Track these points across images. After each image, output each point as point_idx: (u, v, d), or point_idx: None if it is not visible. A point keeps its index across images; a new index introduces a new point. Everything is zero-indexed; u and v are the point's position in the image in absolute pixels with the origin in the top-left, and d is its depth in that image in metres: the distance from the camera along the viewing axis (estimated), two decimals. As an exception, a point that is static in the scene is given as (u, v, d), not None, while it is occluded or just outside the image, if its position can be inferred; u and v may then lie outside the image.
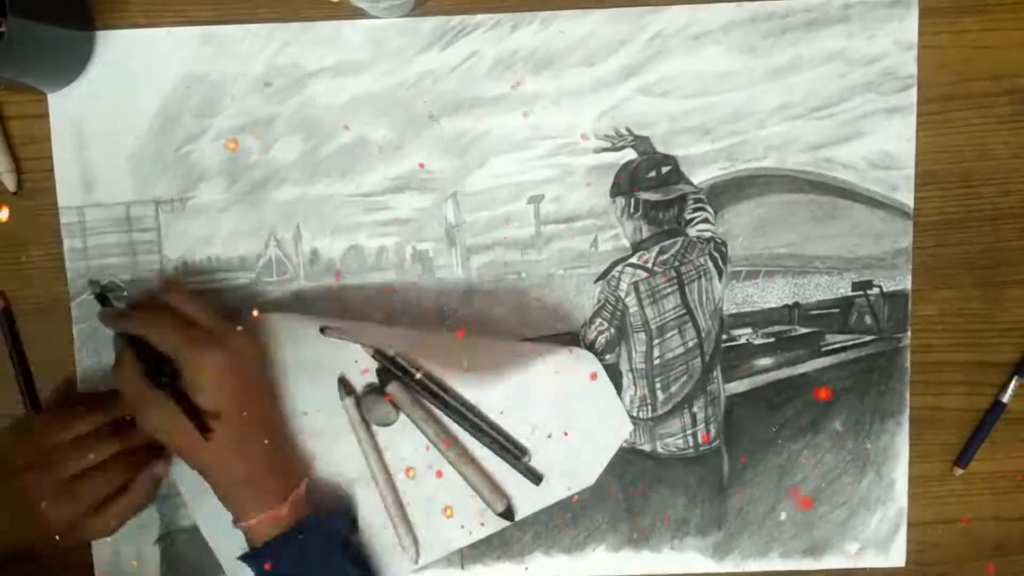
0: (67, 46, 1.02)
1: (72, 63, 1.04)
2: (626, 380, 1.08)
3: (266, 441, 0.98)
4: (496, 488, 1.05)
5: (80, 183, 1.05)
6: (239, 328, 0.98)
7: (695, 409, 1.08)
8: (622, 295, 1.07)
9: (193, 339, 0.94)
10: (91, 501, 0.98)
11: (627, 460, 1.08)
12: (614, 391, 1.06)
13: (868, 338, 1.08)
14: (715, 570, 1.10)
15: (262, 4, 1.05)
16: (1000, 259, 1.08)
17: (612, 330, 1.07)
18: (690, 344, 1.07)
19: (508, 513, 1.05)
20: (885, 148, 1.06)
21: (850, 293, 1.08)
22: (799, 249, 1.07)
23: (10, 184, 1.05)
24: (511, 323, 1.07)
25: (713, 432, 1.08)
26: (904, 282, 1.07)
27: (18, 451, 0.99)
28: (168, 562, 1.09)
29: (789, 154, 1.06)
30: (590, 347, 1.07)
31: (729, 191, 1.07)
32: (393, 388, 1.03)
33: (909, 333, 1.08)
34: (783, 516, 1.09)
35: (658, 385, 1.07)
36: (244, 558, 0.97)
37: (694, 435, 1.08)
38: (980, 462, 1.09)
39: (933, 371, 1.09)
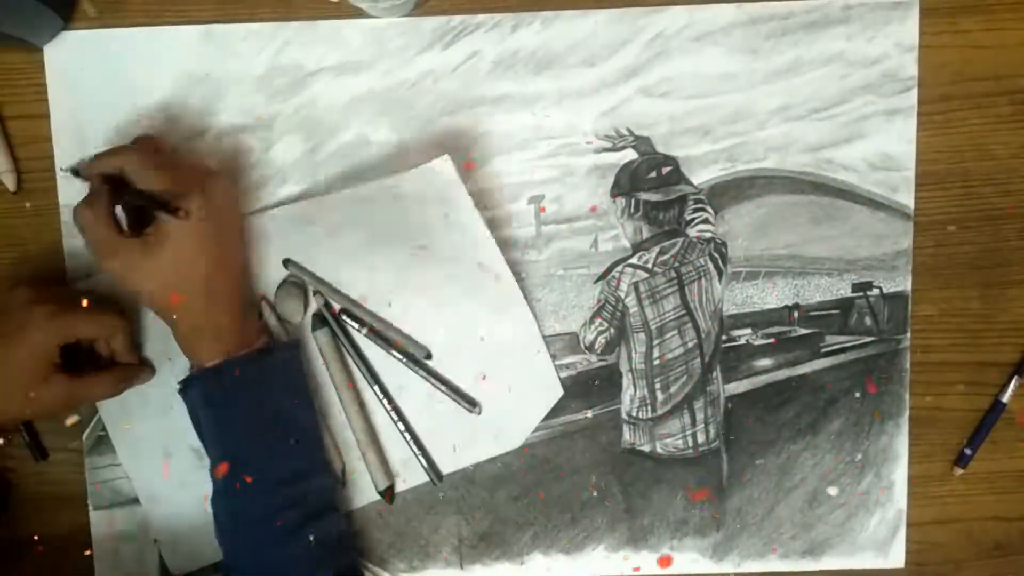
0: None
1: (57, 7, 1.03)
2: (626, 380, 1.08)
3: (232, 297, 0.98)
4: (385, 465, 1.07)
5: (85, 187, 1.05)
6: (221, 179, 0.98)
7: (695, 410, 1.08)
8: (622, 295, 1.07)
9: (176, 178, 0.93)
10: (70, 326, 0.97)
11: (627, 460, 1.08)
12: (548, 356, 1.07)
13: (868, 339, 1.08)
14: (714, 571, 1.10)
15: (262, 4, 1.05)
16: (1000, 259, 1.08)
17: (612, 330, 1.07)
18: (690, 344, 1.08)
19: (387, 493, 1.07)
20: (885, 150, 1.06)
21: (850, 294, 1.08)
22: (799, 250, 1.07)
23: (10, 184, 1.05)
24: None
25: (713, 432, 1.08)
26: (904, 283, 1.07)
27: None
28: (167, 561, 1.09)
29: (789, 155, 1.06)
30: (590, 347, 1.07)
31: (729, 192, 1.07)
32: (320, 335, 1.06)
33: (909, 334, 1.08)
34: (782, 517, 1.09)
35: (658, 385, 1.08)
36: (197, 377, 0.97)
37: (693, 436, 1.08)
38: (980, 462, 1.09)
39: (933, 371, 1.09)
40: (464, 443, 1.08)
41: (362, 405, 1.07)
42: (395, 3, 0.99)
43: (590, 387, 1.08)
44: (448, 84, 1.05)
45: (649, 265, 1.06)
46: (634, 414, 1.08)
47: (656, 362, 1.07)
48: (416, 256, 1.04)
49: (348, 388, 1.06)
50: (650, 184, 1.06)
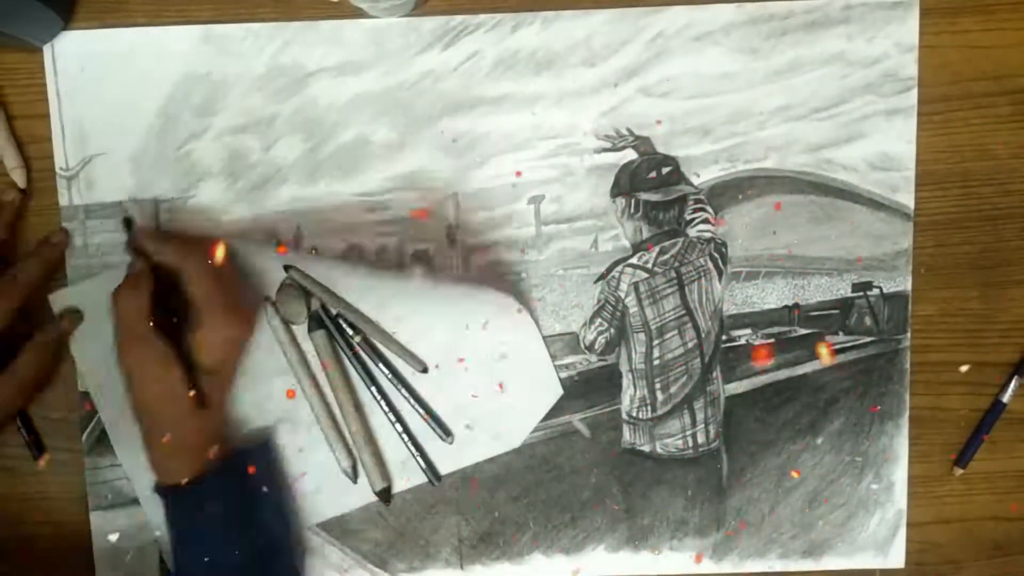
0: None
1: (57, 7, 1.03)
2: (626, 380, 1.08)
3: (221, 417, 1.00)
4: (381, 466, 1.08)
5: (83, 182, 1.05)
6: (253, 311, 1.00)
7: (695, 410, 1.08)
8: (622, 295, 1.07)
9: (225, 301, 0.95)
10: None
11: (626, 460, 1.09)
12: (548, 356, 1.07)
13: (868, 339, 1.08)
14: (714, 571, 1.10)
15: (262, 4, 1.05)
16: (1000, 259, 1.08)
17: (612, 330, 1.07)
18: (690, 345, 1.08)
19: (385, 493, 1.07)
20: (885, 150, 1.06)
21: (850, 294, 1.08)
22: (799, 250, 1.07)
23: (19, 181, 1.05)
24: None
25: (712, 433, 1.08)
26: (904, 283, 1.07)
27: None
28: (167, 557, 1.09)
29: (789, 155, 1.06)
30: (590, 348, 1.07)
31: (729, 192, 1.07)
32: (318, 336, 1.06)
33: (909, 335, 1.08)
34: (782, 517, 1.09)
35: (658, 386, 1.08)
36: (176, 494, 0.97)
37: (693, 436, 1.08)
38: (980, 462, 1.09)
39: (933, 371, 1.09)
40: (463, 443, 1.08)
41: (358, 406, 1.07)
42: (395, 3, 0.99)
43: (589, 387, 1.08)
44: (448, 84, 1.05)
45: (649, 265, 1.06)
46: (634, 414, 1.08)
47: (656, 362, 1.07)
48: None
49: (345, 389, 1.06)
50: (650, 184, 1.06)
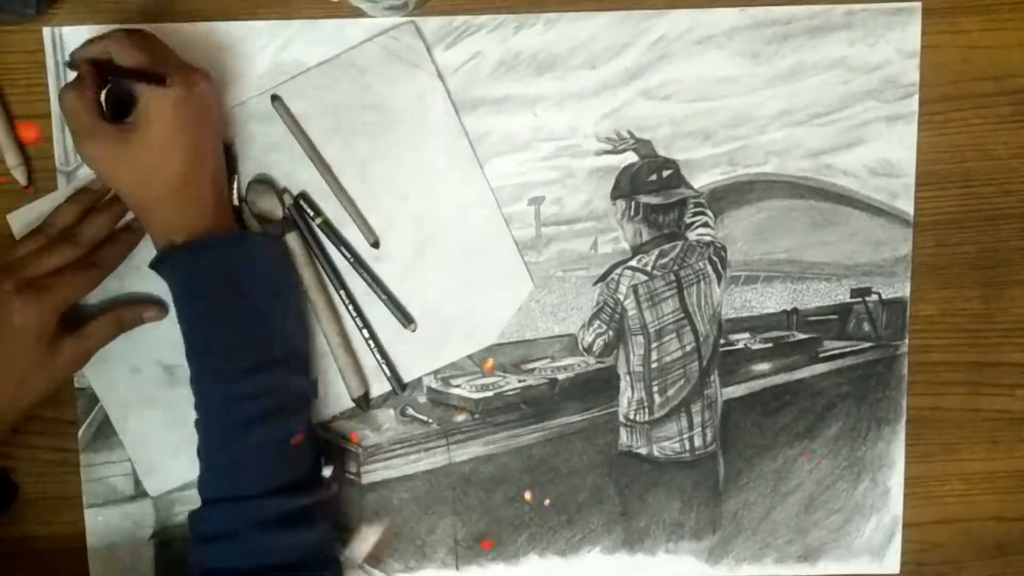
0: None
1: None
2: (624, 383, 1.08)
3: (210, 190, 0.97)
4: (359, 372, 1.07)
5: (83, 179, 1.05)
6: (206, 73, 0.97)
7: (692, 413, 1.08)
8: (621, 298, 1.07)
9: (161, 60, 0.94)
10: (58, 298, 0.97)
11: (623, 463, 1.09)
12: (516, 249, 1.07)
13: (866, 345, 1.08)
14: (710, 574, 1.10)
15: (262, 3, 1.05)
16: (1000, 259, 1.08)
17: (610, 333, 1.07)
18: (688, 348, 1.08)
19: (363, 400, 1.07)
20: (886, 156, 1.06)
21: (849, 300, 1.08)
22: (798, 255, 1.07)
23: (21, 179, 1.05)
24: (509, 323, 1.08)
25: (710, 436, 1.08)
26: (903, 290, 1.07)
27: None
28: (162, 559, 1.09)
29: (790, 160, 1.06)
30: (588, 350, 1.07)
31: (729, 196, 1.07)
32: (291, 238, 1.05)
33: (907, 340, 1.08)
34: (778, 521, 1.09)
35: (655, 388, 1.08)
36: (168, 256, 0.96)
37: (690, 439, 1.08)
38: (980, 462, 1.10)
39: (933, 371, 1.09)
40: (436, 342, 1.07)
41: (334, 309, 1.06)
42: (394, 4, 0.99)
43: (587, 389, 1.08)
44: (450, 84, 1.05)
45: (648, 268, 1.06)
46: (631, 417, 1.08)
47: (654, 365, 1.07)
48: (384, 137, 1.06)
49: (319, 292, 1.05)
50: (650, 187, 1.06)
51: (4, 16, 1.02)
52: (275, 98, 1.04)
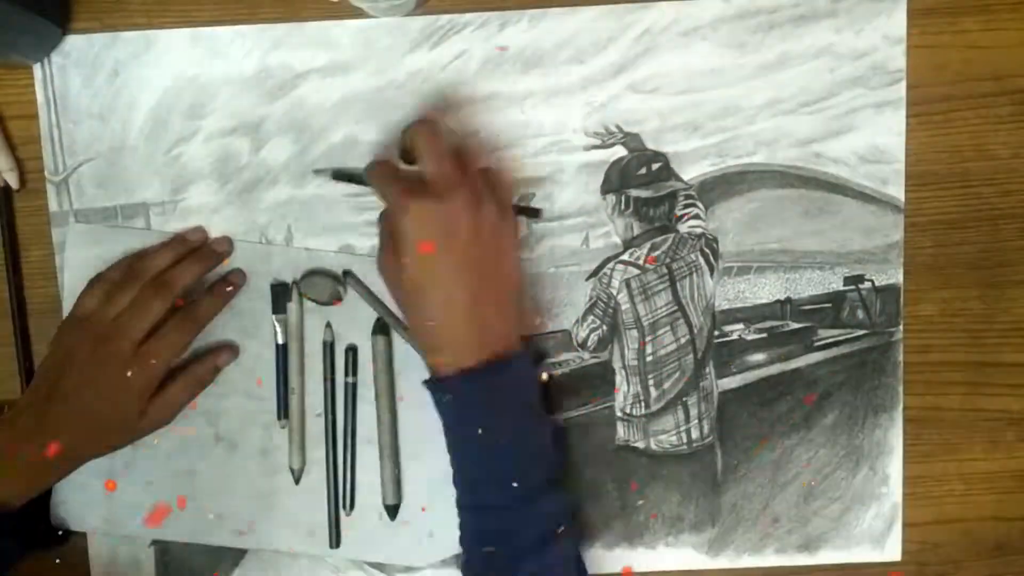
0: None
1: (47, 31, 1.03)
2: (619, 377, 1.08)
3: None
4: (398, 482, 1.08)
5: (72, 187, 1.05)
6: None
7: (688, 405, 1.08)
8: (614, 292, 1.07)
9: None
10: (168, 355, 0.99)
11: (621, 457, 1.09)
12: None
13: (860, 332, 1.08)
14: (710, 566, 1.10)
15: (262, 4, 1.05)
16: (1000, 259, 1.08)
17: (604, 327, 1.07)
18: (682, 340, 1.07)
19: (391, 510, 1.08)
20: (875, 142, 1.06)
21: (842, 288, 1.08)
22: (790, 244, 1.07)
23: (13, 182, 1.05)
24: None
25: (707, 428, 1.08)
26: (896, 276, 1.07)
27: (85, 334, 0.99)
28: (163, 564, 1.09)
29: (779, 149, 1.06)
30: (583, 345, 1.07)
31: (719, 187, 1.07)
32: (378, 341, 1.07)
33: (902, 327, 1.08)
34: (778, 511, 1.09)
35: (651, 382, 1.07)
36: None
37: (687, 431, 1.08)
38: (981, 462, 1.10)
39: (933, 371, 1.09)
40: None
41: (395, 417, 1.07)
42: (395, 3, 0.98)
43: (583, 384, 1.08)
44: (437, 83, 1.05)
45: (640, 262, 1.06)
46: (628, 411, 1.08)
47: (649, 358, 1.07)
48: None
49: (387, 396, 1.07)
50: (640, 181, 1.06)
51: (7, 61, 1.03)
52: (347, 273, 1.07)
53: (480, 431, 0.93)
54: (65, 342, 0.99)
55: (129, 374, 0.96)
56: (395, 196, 0.92)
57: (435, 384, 0.95)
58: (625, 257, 1.06)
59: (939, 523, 1.11)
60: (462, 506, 0.96)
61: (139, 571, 1.08)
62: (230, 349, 1.06)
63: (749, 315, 1.08)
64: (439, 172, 0.92)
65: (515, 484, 0.92)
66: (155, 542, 1.08)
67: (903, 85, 1.05)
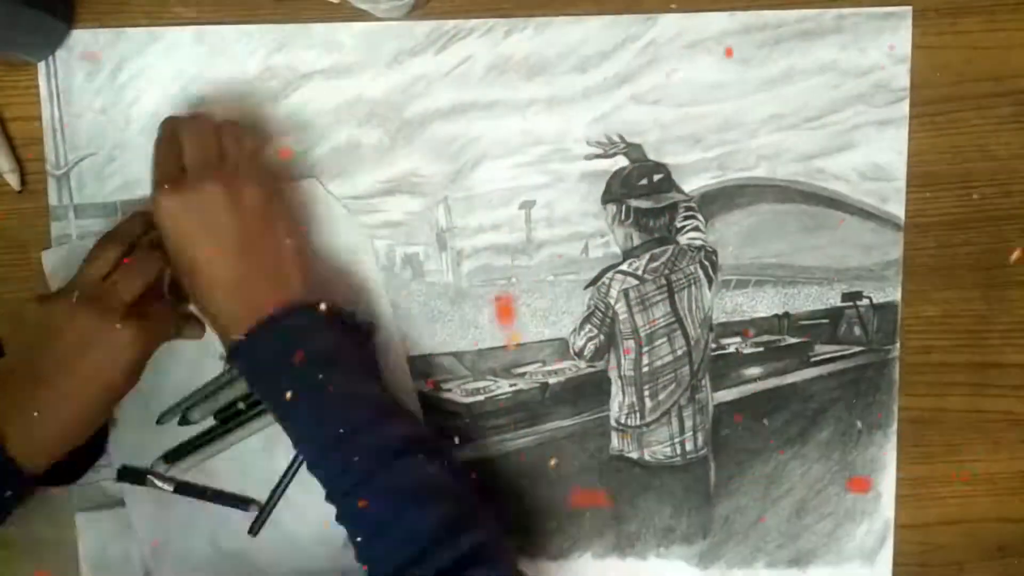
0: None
1: (52, 28, 1.03)
2: (615, 387, 1.08)
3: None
4: None
5: (73, 181, 1.05)
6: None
7: (683, 417, 1.08)
8: (612, 302, 1.07)
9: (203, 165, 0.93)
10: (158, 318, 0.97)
11: (614, 467, 1.08)
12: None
13: (857, 349, 1.08)
14: (700, 579, 1.10)
15: (262, 5, 1.04)
16: (1002, 260, 1.08)
17: (601, 337, 1.07)
18: (679, 352, 1.07)
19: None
20: (876, 160, 1.06)
21: (840, 304, 1.08)
22: (789, 259, 1.07)
23: (14, 183, 1.05)
24: (499, 328, 1.08)
25: (701, 440, 1.08)
26: (894, 294, 1.07)
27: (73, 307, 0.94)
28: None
29: (780, 164, 1.06)
30: (579, 354, 1.07)
31: (720, 200, 1.07)
32: None
33: (898, 344, 1.08)
34: (769, 525, 1.09)
35: (647, 393, 1.07)
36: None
37: (681, 443, 1.08)
38: (983, 463, 1.10)
39: (935, 372, 1.09)
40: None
41: None
42: (395, 4, 0.98)
43: (578, 394, 1.08)
44: (440, 88, 1.05)
45: (639, 272, 1.06)
46: (622, 421, 1.08)
47: (645, 369, 1.07)
48: None
49: None
50: (641, 191, 1.06)
51: (12, 57, 1.03)
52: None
53: (281, 390, 0.91)
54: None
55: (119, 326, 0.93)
56: (153, 189, 0.93)
57: (228, 360, 0.96)
58: (624, 267, 1.06)
59: (941, 524, 1.11)
60: (311, 466, 0.93)
61: (130, 568, 1.08)
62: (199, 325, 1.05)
63: (746, 329, 1.08)
64: (195, 161, 0.93)
65: (341, 430, 0.90)
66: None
67: (906, 104, 1.05)
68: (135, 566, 1.08)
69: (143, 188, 1.05)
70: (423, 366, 1.08)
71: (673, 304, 1.07)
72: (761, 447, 1.09)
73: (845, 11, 1.04)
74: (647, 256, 1.06)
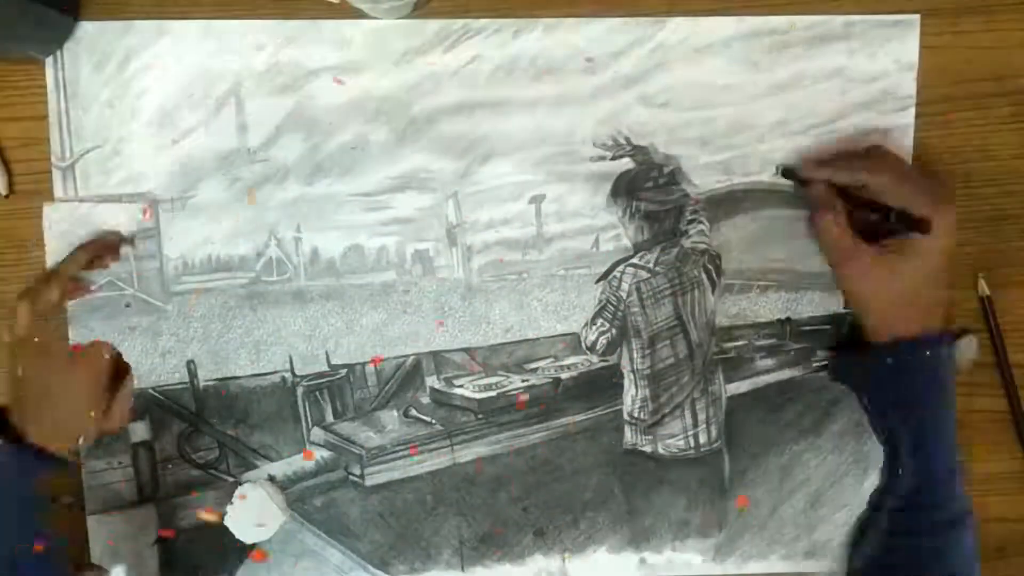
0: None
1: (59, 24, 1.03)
2: (627, 381, 1.08)
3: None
4: None
5: (78, 174, 1.04)
6: None
7: (696, 410, 1.08)
8: (623, 295, 1.07)
9: (915, 193, 0.97)
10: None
11: (629, 461, 1.08)
12: None
13: (859, 354, 1.09)
14: (716, 572, 1.09)
15: (262, 4, 1.04)
16: (1001, 260, 1.10)
17: (613, 331, 1.07)
18: (682, 356, 1.07)
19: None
20: (881, 167, 1.07)
21: (842, 310, 1.09)
22: (793, 265, 1.08)
23: (1, 187, 1.04)
24: (511, 324, 1.07)
25: (714, 433, 1.08)
26: (895, 299, 1.09)
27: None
28: (166, 564, 1.07)
29: (786, 169, 1.07)
30: (591, 348, 1.07)
31: (725, 204, 1.07)
32: None
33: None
34: (785, 518, 1.09)
35: (659, 386, 1.07)
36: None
37: (695, 436, 1.08)
38: (983, 463, 1.11)
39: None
40: None
41: None
42: (394, 5, 0.99)
43: (591, 388, 1.08)
44: (448, 87, 1.05)
45: (650, 265, 1.07)
46: (636, 415, 1.07)
47: (658, 366, 1.07)
48: None
49: None
50: (647, 193, 1.06)
51: (17, 54, 1.02)
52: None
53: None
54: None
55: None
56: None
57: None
58: (635, 260, 1.07)
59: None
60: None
61: (142, 570, 1.06)
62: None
63: (749, 333, 1.09)
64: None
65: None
66: (159, 540, 1.06)
67: (912, 111, 1.07)
68: (147, 568, 1.07)
69: (148, 181, 1.05)
70: (435, 363, 1.07)
71: (676, 307, 1.07)
72: (775, 439, 1.09)
73: (854, 18, 1.06)
74: (658, 249, 1.07)
